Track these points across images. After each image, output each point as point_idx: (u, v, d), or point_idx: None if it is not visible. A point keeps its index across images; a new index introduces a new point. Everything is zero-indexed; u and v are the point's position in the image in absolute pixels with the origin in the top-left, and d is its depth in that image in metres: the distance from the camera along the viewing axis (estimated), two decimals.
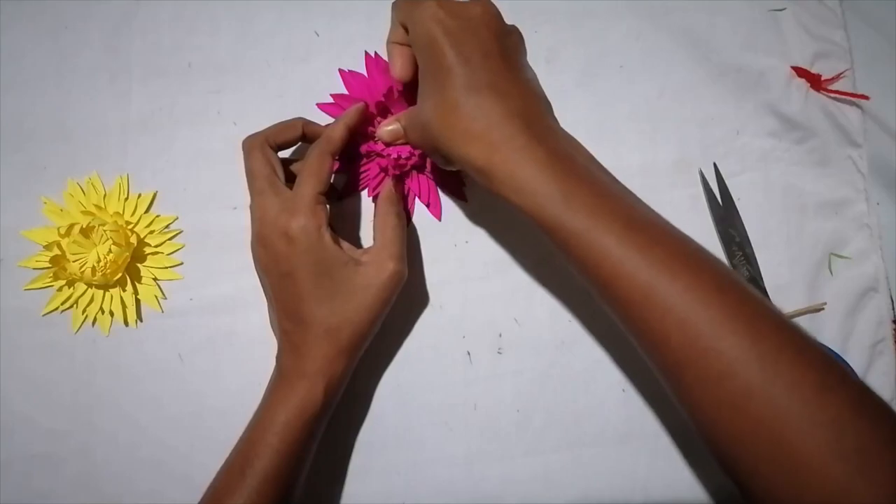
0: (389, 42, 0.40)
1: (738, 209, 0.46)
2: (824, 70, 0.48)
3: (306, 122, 0.43)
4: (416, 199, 0.46)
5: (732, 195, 0.46)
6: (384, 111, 0.45)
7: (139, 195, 0.46)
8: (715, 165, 0.47)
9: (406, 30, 0.37)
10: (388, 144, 0.43)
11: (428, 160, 0.45)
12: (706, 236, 0.47)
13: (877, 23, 0.49)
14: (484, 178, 0.34)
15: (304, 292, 0.38)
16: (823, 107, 0.47)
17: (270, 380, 0.41)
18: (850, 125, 0.47)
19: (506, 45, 0.37)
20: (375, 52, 0.47)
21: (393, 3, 0.39)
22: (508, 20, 0.48)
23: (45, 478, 0.44)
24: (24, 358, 0.45)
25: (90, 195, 0.46)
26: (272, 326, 0.42)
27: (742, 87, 0.48)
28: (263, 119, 0.47)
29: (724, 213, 0.46)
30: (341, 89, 0.47)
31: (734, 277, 0.32)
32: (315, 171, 0.40)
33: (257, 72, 0.48)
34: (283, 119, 0.45)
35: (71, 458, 0.44)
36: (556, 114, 0.47)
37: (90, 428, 0.44)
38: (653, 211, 0.34)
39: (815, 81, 0.47)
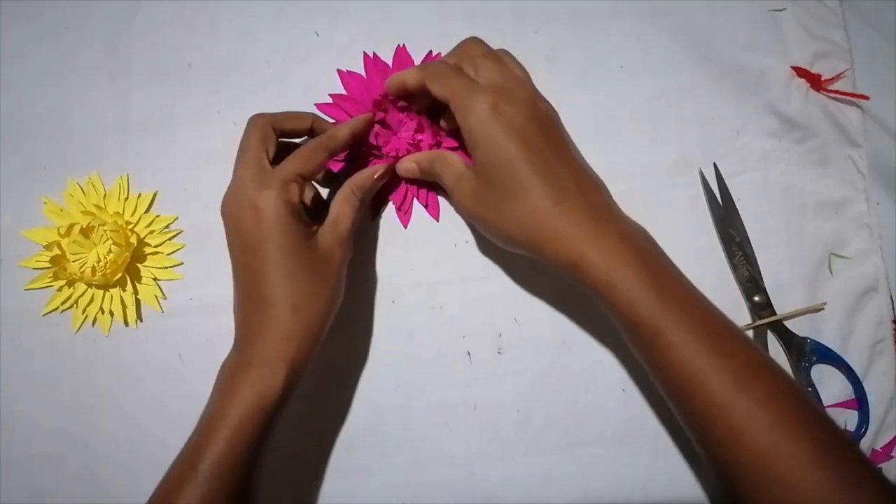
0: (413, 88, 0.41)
1: (738, 209, 0.46)
2: (824, 70, 0.48)
3: (316, 118, 0.43)
4: (415, 201, 0.46)
5: (732, 195, 0.46)
6: (383, 109, 0.44)
7: (139, 195, 0.46)
8: (715, 165, 0.47)
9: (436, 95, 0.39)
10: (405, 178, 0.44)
11: None
12: (706, 236, 0.47)
13: (877, 23, 0.49)
14: (571, 270, 0.36)
15: (268, 268, 0.37)
16: (823, 107, 0.47)
17: (224, 366, 0.39)
18: (850, 125, 0.47)
19: (560, 129, 0.40)
20: (374, 53, 0.47)
21: (427, 72, 0.39)
22: (509, 20, 0.48)
23: (46, 477, 0.44)
24: (24, 358, 0.45)
25: (90, 195, 0.46)
26: (234, 313, 0.40)
27: (742, 87, 0.48)
28: None
29: (724, 213, 0.46)
30: (341, 89, 0.47)
31: (820, 414, 0.34)
32: (304, 156, 0.39)
33: (257, 72, 0.48)
34: None
35: (71, 457, 0.44)
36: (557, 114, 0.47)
37: (90, 428, 0.44)
38: (719, 311, 0.37)
39: (815, 81, 0.47)
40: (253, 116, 0.41)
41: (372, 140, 0.44)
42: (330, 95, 0.46)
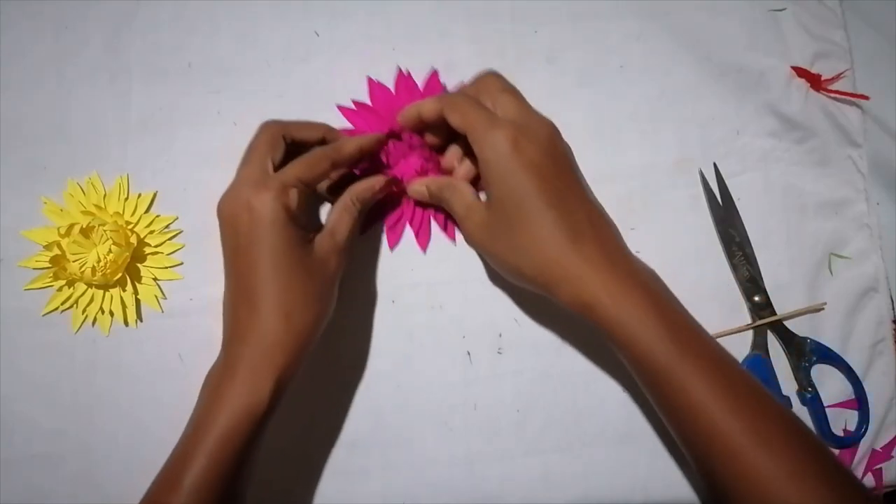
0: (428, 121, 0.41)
1: (738, 209, 0.46)
2: (824, 70, 0.48)
3: (329, 128, 0.43)
4: (432, 222, 0.46)
5: (732, 195, 0.46)
6: (394, 135, 0.45)
7: (139, 195, 0.46)
8: (715, 165, 0.47)
9: (452, 126, 0.39)
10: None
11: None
12: (706, 236, 0.47)
13: (877, 23, 0.49)
14: (583, 311, 0.36)
15: (260, 271, 0.36)
16: (823, 107, 0.47)
17: (210, 373, 0.38)
18: (850, 125, 0.47)
19: (576, 169, 0.39)
20: (408, 70, 0.47)
21: (446, 102, 0.39)
22: (509, 20, 0.48)
23: (46, 477, 0.44)
24: (24, 358, 0.45)
25: (90, 195, 0.46)
26: (223, 314, 0.39)
27: (742, 87, 0.48)
28: (263, 119, 0.47)
29: (724, 213, 0.46)
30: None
31: (836, 463, 0.35)
32: (307, 162, 0.39)
33: (257, 72, 0.48)
34: (281, 118, 0.45)
35: (71, 457, 0.44)
36: (557, 114, 0.47)
37: (90, 428, 0.44)
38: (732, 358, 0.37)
39: (815, 81, 0.47)
40: (265, 122, 0.41)
41: (382, 156, 0.44)
42: (353, 102, 0.46)
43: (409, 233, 0.46)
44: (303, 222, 0.38)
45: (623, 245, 0.38)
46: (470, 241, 0.42)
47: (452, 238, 0.46)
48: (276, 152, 0.39)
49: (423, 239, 0.46)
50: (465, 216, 0.40)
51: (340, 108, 0.46)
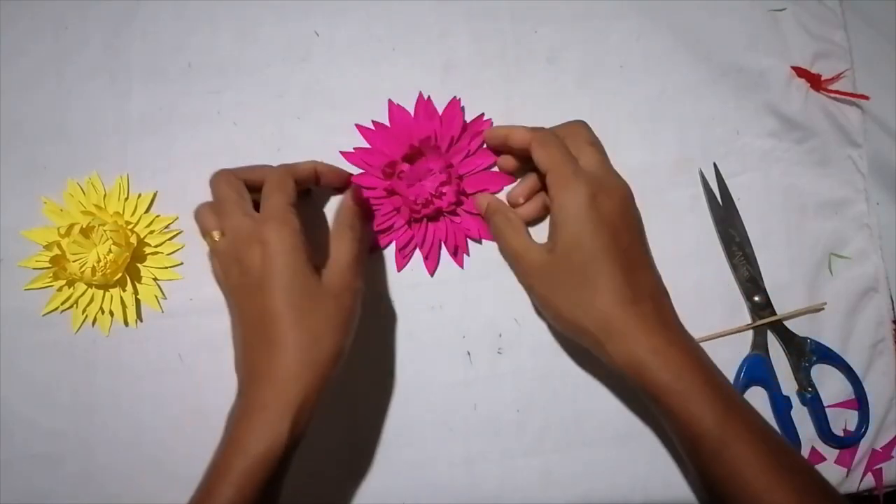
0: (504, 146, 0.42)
1: (738, 209, 0.46)
2: (824, 70, 0.48)
3: (274, 168, 0.41)
4: (443, 248, 0.46)
5: (732, 195, 0.46)
6: (410, 158, 0.45)
7: (139, 195, 0.46)
8: (715, 165, 0.47)
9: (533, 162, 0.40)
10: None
11: (443, 217, 0.45)
12: (706, 236, 0.47)
13: (877, 23, 0.49)
14: (632, 371, 0.37)
15: (275, 303, 0.36)
16: (823, 107, 0.47)
17: (230, 415, 0.37)
18: (850, 125, 0.47)
19: (643, 234, 0.41)
20: (429, 96, 0.46)
21: (537, 137, 0.40)
22: (509, 20, 0.48)
23: (46, 477, 0.44)
24: (24, 358, 0.45)
25: (90, 195, 0.46)
26: (235, 361, 0.38)
27: (742, 87, 0.48)
28: (263, 119, 0.47)
29: (724, 213, 0.46)
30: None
31: None
32: (278, 185, 0.38)
33: (257, 72, 0.48)
34: (282, 120, 0.45)
35: (71, 457, 0.44)
36: (557, 114, 0.47)
37: (90, 428, 0.44)
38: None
39: (815, 81, 0.47)
40: (217, 173, 0.40)
41: (395, 180, 0.44)
42: (355, 149, 0.46)
43: (417, 254, 0.46)
44: (308, 245, 0.37)
45: (675, 314, 0.40)
46: (525, 280, 0.42)
47: (461, 265, 0.46)
48: (244, 192, 0.39)
49: (431, 263, 0.46)
50: (521, 255, 0.41)
51: (359, 126, 0.46)
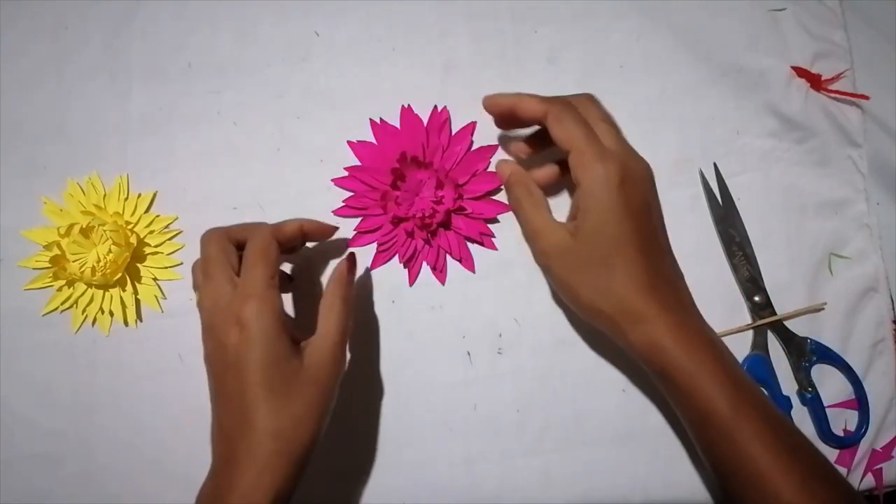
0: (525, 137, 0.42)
1: (739, 209, 0.46)
2: (824, 70, 0.48)
3: (264, 225, 0.40)
4: (448, 257, 0.46)
5: (732, 195, 0.46)
6: (401, 175, 0.44)
7: (139, 195, 0.46)
8: (715, 165, 0.47)
9: (556, 142, 0.39)
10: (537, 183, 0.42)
11: (452, 216, 0.45)
12: (706, 236, 0.47)
13: (877, 23, 0.49)
14: (650, 352, 0.37)
15: (251, 386, 0.35)
16: (823, 107, 0.47)
17: (201, 494, 0.36)
18: (850, 125, 0.47)
19: (662, 217, 0.41)
20: (381, 118, 0.46)
21: (553, 111, 0.38)
22: (509, 20, 0.48)
23: (46, 477, 0.44)
24: (24, 358, 0.45)
25: (90, 195, 0.46)
26: (211, 436, 0.37)
27: (742, 87, 0.48)
28: (263, 119, 0.47)
29: (725, 213, 0.46)
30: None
31: None
32: (262, 254, 0.37)
33: (257, 72, 0.48)
34: (282, 120, 0.45)
35: (71, 457, 0.44)
36: None
37: (90, 428, 0.44)
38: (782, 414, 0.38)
39: (815, 81, 0.47)
40: (207, 232, 0.39)
41: (392, 207, 0.44)
42: (346, 168, 0.46)
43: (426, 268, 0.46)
44: (289, 322, 0.37)
45: (691, 297, 0.40)
46: (543, 260, 0.41)
47: (472, 270, 0.46)
48: (232, 257, 0.38)
49: (441, 275, 0.46)
50: (541, 233, 0.40)
51: (350, 143, 0.46)
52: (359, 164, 0.46)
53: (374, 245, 0.46)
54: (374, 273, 0.46)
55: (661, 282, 0.38)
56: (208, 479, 0.36)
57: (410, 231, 0.45)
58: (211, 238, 0.38)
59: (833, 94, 0.47)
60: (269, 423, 0.34)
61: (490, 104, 0.42)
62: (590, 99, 0.41)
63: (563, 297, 0.41)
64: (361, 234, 0.46)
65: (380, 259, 0.46)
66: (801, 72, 0.47)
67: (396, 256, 0.46)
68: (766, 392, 0.45)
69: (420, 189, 0.45)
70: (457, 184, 0.45)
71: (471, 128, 0.46)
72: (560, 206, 0.45)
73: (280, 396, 0.35)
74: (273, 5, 0.48)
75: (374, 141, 0.46)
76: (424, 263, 0.46)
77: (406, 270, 0.46)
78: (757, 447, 0.35)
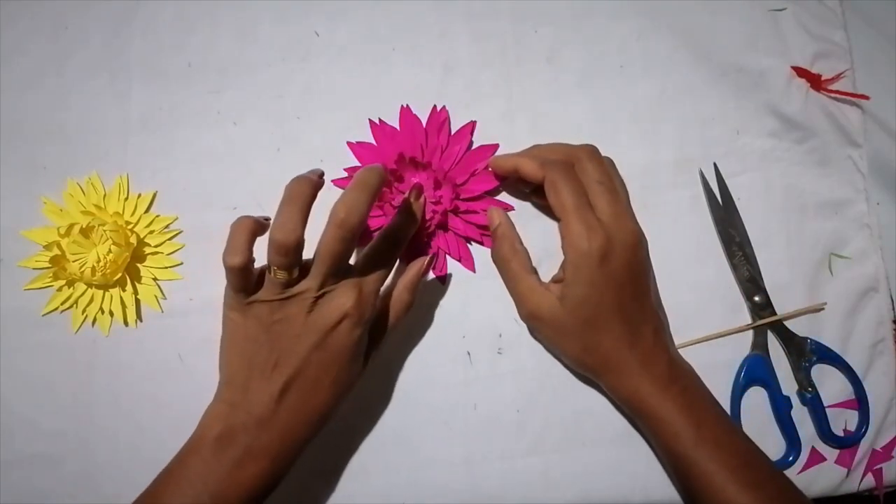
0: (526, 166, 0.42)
1: (738, 209, 0.46)
2: (824, 70, 0.48)
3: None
4: (447, 257, 0.46)
5: (732, 195, 0.46)
6: (398, 177, 0.44)
7: (139, 195, 0.46)
8: (715, 165, 0.47)
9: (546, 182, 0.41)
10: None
11: (450, 217, 0.45)
12: (706, 236, 0.47)
13: (877, 23, 0.49)
14: (628, 401, 0.41)
15: (305, 368, 0.38)
16: (823, 107, 0.47)
17: (207, 415, 0.39)
18: (850, 125, 0.47)
19: (650, 279, 0.44)
20: (380, 119, 0.46)
21: (550, 178, 0.40)
22: (509, 20, 0.48)
23: (45, 478, 0.44)
24: (24, 358, 0.45)
25: (90, 195, 0.46)
26: (220, 366, 0.40)
27: (742, 87, 0.48)
28: (263, 119, 0.47)
29: (724, 213, 0.46)
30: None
31: None
32: (385, 259, 0.40)
33: (257, 72, 0.48)
34: (282, 120, 0.46)
35: (71, 457, 0.44)
36: (556, 114, 0.47)
37: (90, 428, 0.44)
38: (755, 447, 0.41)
39: (816, 81, 0.47)
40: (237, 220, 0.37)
41: (389, 209, 0.44)
42: (345, 170, 0.46)
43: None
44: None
45: (669, 343, 0.43)
46: (532, 321, 0.43)
47: (472, 269, 0.46)
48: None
49: (439, 271, 0.46)
50: (527, 297, 0.42)
51: (349, 144, 0.46)
52: (358, 164, 0.46)
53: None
54: None
55: (639, 339, 0.41)
56: (215, 404, 0.39)
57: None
58: (240, 226, 0.37)
59: (833, 94, 0.47)
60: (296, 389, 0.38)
61: (494, 165, 0.44)
62: (590, 155, 0.42)
63: (551, 350, 0.45)
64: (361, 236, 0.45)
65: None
66: (801, 72, 0.47)
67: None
68: (766, 392, 0.45)
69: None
70: (455, 184, 0.45)
71: (470, 127, 0.46)
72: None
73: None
74: (273, 5, 0.48)
75: (373, 142, 0.46)
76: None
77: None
78: (718, 481, 0.38)
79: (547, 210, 0.43)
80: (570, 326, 0.41)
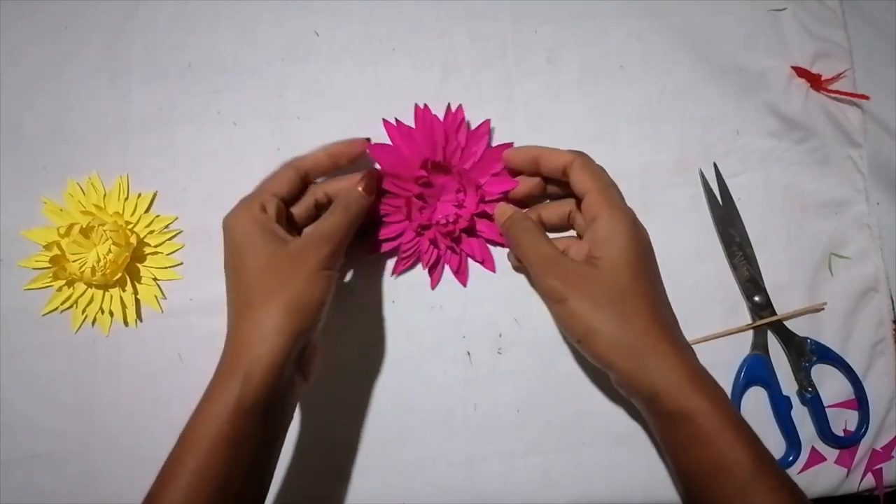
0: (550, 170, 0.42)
1: (739, 209, 0.46)
2: (824, 70, 0.47)
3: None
4: (470, 260, 0.46)
5: (733, 195, 0.46)
6: (427, 183, 0.44)
7: (139, 195, 0.46)
8: (715, 165, 0.47)
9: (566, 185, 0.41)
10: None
11: (478, 221, 0.44)
12: (706, 236, 0.47)
13: (877, 23, 0.49)
14: (664, 392, 0.36)
15: (229, 277, 0.39)
16: (823, 107, 0.47)
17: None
18: (850, 125, 0.47)
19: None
20: (396, 119, 0.45)
21: (580, 159, 0.41)
22: (509, 20, 0.48)
23: (46, 478, 0.44)
24: (24, 358, 0.45)
25: (90, 195, 0.46)
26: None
27: (742, 87, 0.48)
28: (263, 119, 0.47)
29: (725, 213, 0.46)
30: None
31: None
32: (274, 174, 0.41)
33: (257, 72, 0.48)
34: (282, 120, 0.46)
35: (71, 458, 0.44)
36: (556, 114, 0.47)
37: (90, 428, 0.44)
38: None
39: (816, 81, 0.47)
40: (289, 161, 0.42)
41: (416, 216, 0.44)
42: (377, 144, 0.44)
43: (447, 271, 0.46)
44: (277, 227, 0.39)
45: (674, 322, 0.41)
46: (560, 288, 0.38)
47: (493, 270, 0.46)
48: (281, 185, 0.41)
49: (463, 277, 0.45)
50: (555, 262, 0.39)
51: (385, 122, 0.45)
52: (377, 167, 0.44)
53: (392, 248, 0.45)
54: (371, 271, 0.46)
55: (672, 323, 0.39)
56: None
57: (434, 238, 0.44)
58: (286, 165, 0.42)
59: (833, 94, 0.47)
60: (238, 299, 0.38)
61: (510, 158, 0.43)
62: (591, 160, 0.42)
63: (577, 329, 0.38)
64: (383, 241, 0.45)
65: (402, 265, 0.45)
66: (801, 72, 0.47)
67: (419, 263, 0.45)
68: (766, 392, 0.45)
69: (441, 193, 0.44)
70: (478, 186, 0.44)
71: (486, 126, 0.45)
72: None
73: (258, 278, 0.38)
74: (273, 5, 0.48)
75: (386, 142, 0.45)
76: (447, 266, 0.46)
77: (426, 273, 0.46)
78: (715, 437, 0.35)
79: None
80: (607, 291, 0.37)
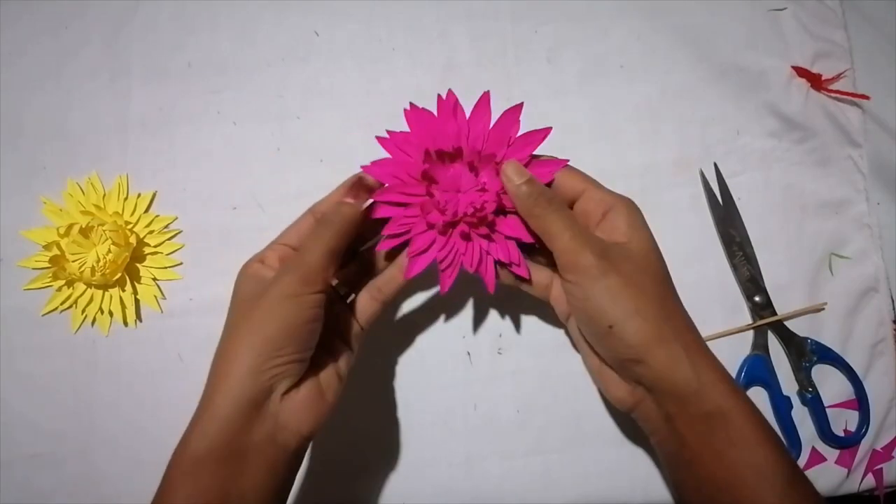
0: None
1: (739, 209, 0.46)
2: (825, 70, 0.48)
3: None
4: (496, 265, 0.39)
5: (733, 195, 0.46)
6: (430, 179, 0.38)
7: (139, 195, 0.46)
8: (715, 165, 0.47)
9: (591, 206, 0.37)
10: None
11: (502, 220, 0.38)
12: (706, 236, 0.47)
13: (877, 23, 0.49)
14: (707, 387, 0.33)
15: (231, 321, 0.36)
16: (824, 107, 0.47)
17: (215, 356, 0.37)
18: (851, 125, 0.47)
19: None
20: (411, 104, 0.39)
21: (592, 181, 0.37)
22: (509, 20, 0.48)
23: (46, 478, 0.44)
24: (24, 358, 0.45)
25: (89, 195, 0.46)
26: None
27: (742, 87, 0.48)
28: (263, 119, 0.47)
29: (725, 212, 0.46)
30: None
31: None
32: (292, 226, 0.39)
33: (257, 72, 0.48)
34: (282, 120, 0.45)
35: (70, 457, 0.44)
36: (557, 114, 0.47)
37: (90, 428, 0.44)
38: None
39: (816, 81, 0.47)
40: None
41: (437, 217, 0.37)
42: (371, 163, 0.38)
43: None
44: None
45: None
46: (602, 265, 0.34)
47: (525, 275, 0.39)
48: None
49: (490, 278, 0.38)
50: (590, 239, 0.35)
51: (379, 138, 0.38)
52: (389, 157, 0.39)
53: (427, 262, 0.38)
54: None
55: (681, 312, 0.36)
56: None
57: (466, 233, 0.38)
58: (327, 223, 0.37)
59: (833, 94, 0.47)
60: (224, 345, 0.36)
61: (563, 183, 0.38)
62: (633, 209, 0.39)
63: (614, 311, 0.34)
64: (415, 258, 0.38)
65: (448, 278, 0.38)
66: (801, 72, 0.47)
67: (464, 267, 0.38)
68: (766, 392, 0.45)
69: (458, 183, 0.38)
70: (495, 160, 0.37)
71: (518, 110, 0.38)
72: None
73: (242, 319, 0.35)
74: (273, 5, 0.48)
75: (385, 145, 0.39)
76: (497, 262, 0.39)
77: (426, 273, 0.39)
78: (749, 439, 0.33)
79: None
80: (652, 274, 0.35)
